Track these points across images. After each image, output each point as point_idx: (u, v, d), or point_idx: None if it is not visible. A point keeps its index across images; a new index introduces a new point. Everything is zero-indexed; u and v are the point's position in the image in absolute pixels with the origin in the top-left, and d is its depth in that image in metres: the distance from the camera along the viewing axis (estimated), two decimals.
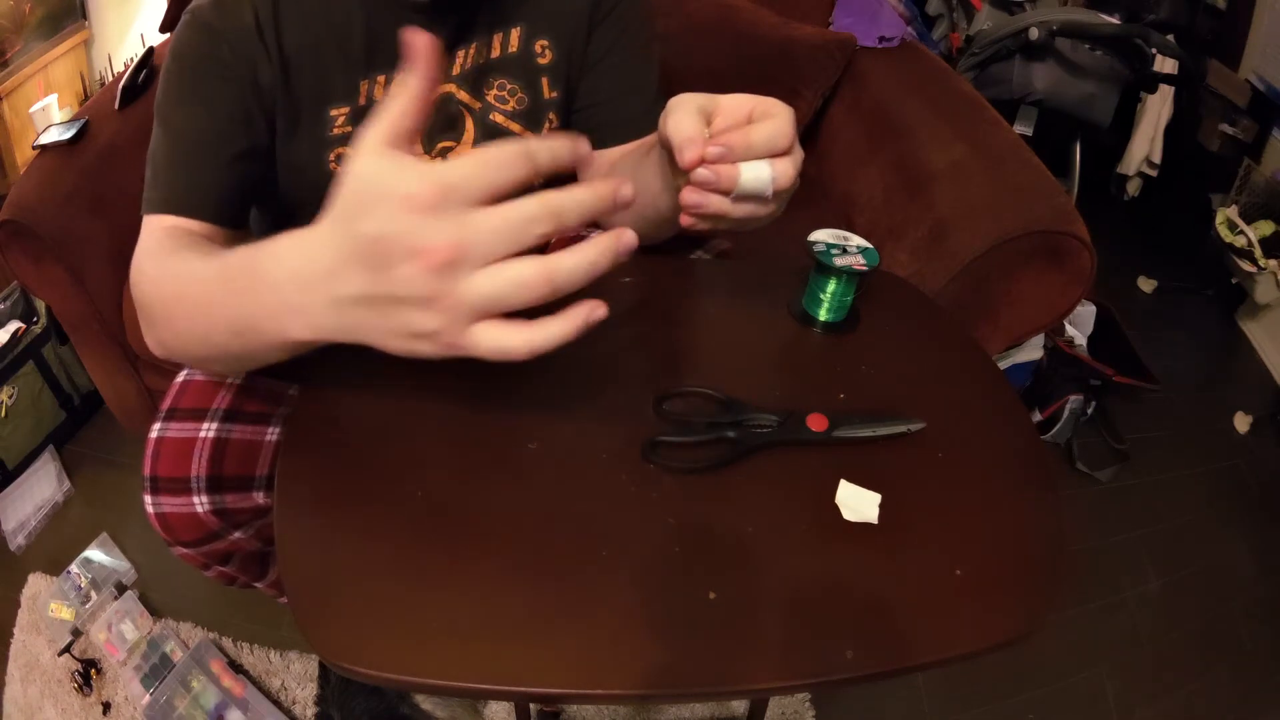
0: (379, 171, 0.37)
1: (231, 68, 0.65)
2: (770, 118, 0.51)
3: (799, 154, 0.53)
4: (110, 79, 1.59)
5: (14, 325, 1.44)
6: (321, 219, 0.40)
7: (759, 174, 0.50)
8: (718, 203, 0.52)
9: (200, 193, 0.64)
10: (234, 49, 0.65)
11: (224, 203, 0.66)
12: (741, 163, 0.50)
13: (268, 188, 0.73)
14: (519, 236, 0.37)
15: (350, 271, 0.38)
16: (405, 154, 0.38)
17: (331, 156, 0.71)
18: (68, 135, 1.13)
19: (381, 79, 0.70)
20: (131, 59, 1.29)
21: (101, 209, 1.12)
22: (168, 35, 0.68)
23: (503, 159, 0.37)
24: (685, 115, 0.52)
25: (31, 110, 1.70)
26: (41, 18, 1.67)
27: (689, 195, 0.52)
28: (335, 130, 0.70)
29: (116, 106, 1.22)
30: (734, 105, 0.53)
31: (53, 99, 1.75)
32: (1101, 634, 1.36)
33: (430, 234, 0.36)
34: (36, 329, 1.46)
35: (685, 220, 0.55)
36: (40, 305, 1.48)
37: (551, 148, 0.38)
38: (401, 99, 0.39)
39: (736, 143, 0.50)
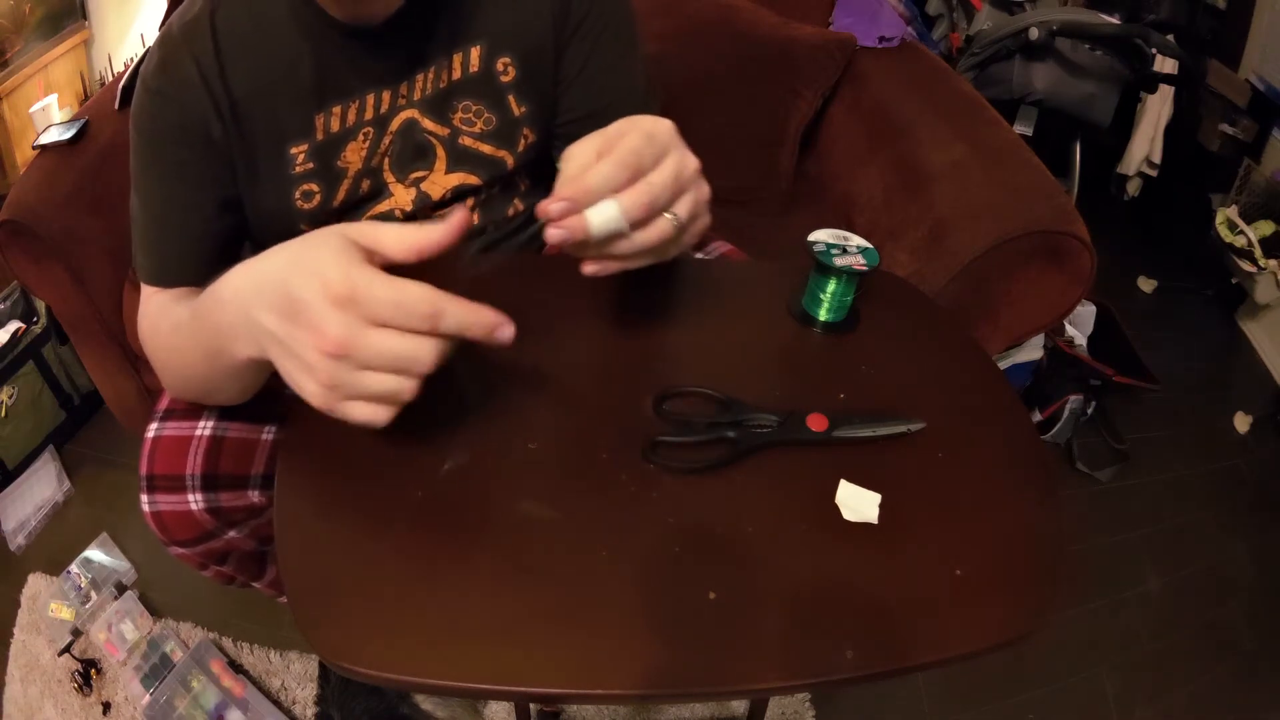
0: (327, 250, 0.42)
1: (184, 130, 0.65)
2: (610, 153, 0.49)
3: (664, 173, 0.50)
4: (110, 79, 1.59)
5: (14, 325, 1.44)
6: (273, 254, 0.45)
7: (606, 214, 0.48)
8: (592, 253, 0.50)
9: (179, 263, 0.67)
10: (182, 109, 0.64)
11: (206, 263, 0.68)
12: (588, 210, 0.48)
13: (248, 232, 0.74)
14: (397, 364, 0.42)
15: (270, 311, 0.44)
16: (359, 253, 0.42)
17: (298, 194, 0.70)
18: (68, 135, 1.13)
19: (337, 110, 0.68)
20: (131, 59, 1.29)
21: (101, 209, 1.12)
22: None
23: (413, 310, 0.41)
24: (563, 171, 0.51)
25: (31, 110, 1.70)
26: (41, 18, 1.67)
27: (569, 252, 0.51)
28: (297, 168, 0.69)
29: (116, 106, 1.22)
30: (614, 134, 0.50)
31: (53, 99, 1.75)
32: (1101, 634, 1.36)
33: (329, 323, 0.41)
34: (36, 329, 1.46)
35: (587, 269, 0.52)
36: (40, 305, 1.48)
37: (462, 320, 0.42)
38: (402, 238, 0.44)
39: (574, 194, 0.48)
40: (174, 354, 0.62)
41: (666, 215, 0.51)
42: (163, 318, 0.64)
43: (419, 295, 0.41)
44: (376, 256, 0.44)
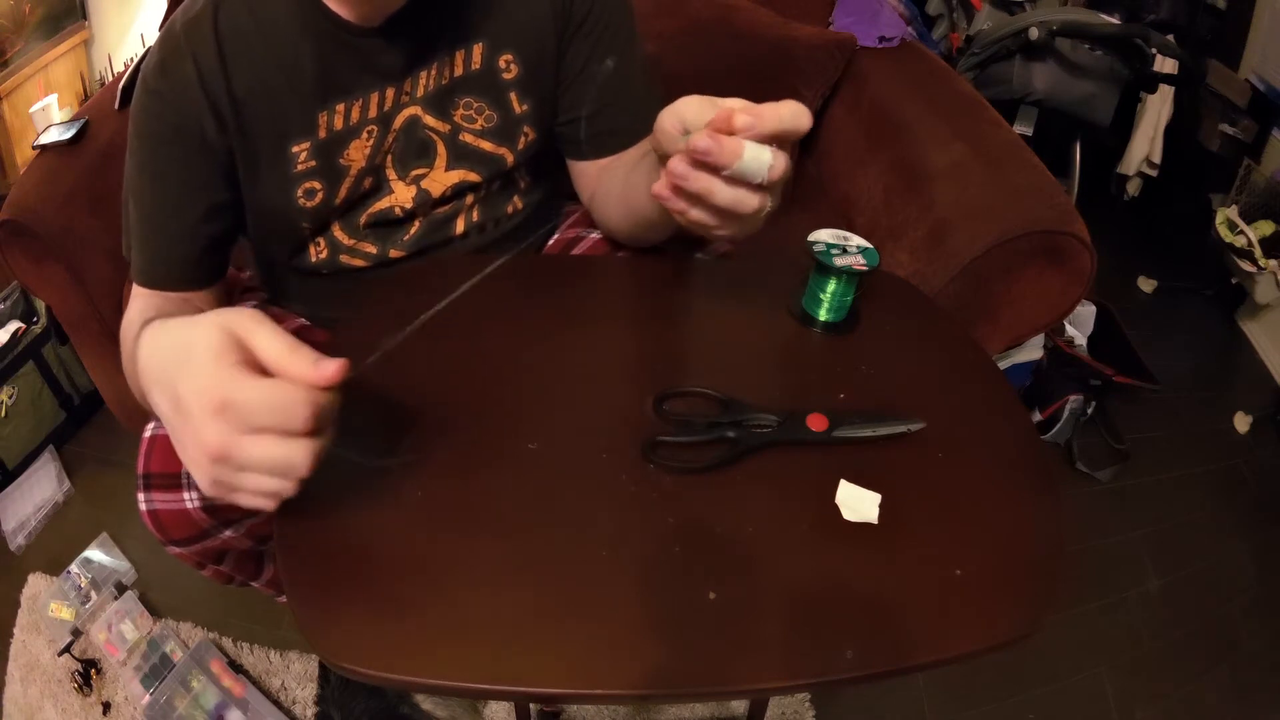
0: (207, 353, 0.41)
1: (179, 131, 0.65)
2: (789, 103, 0.48)
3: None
4: (110, 79, 1.59)
5: (14, 325, 1.44)
6: (169, 336, 0.44)
7: (759, 156, 0.47)
8: (703, 180, 0.48)
9: (164, 266, 0.69)
10: (179, 110, 0.65)
11: (190, 268, 0.70)
12: (748, 142, 0.47)
13: (241, 231, 0.75)
14: (273, 470, 0.42)
15: (165, 402, 0.43)
16: (236, 353, 0.41)
17: (300, 192, 0.70)
18: (68, 135, 1.13)
19: (340, 108, 0.68)
20: (131, 59, 1.29)
21: (101, 209, 1.12)
22: None
23: (290, 408, 0.40)
24: (698, 102, 0.50)
25: (31, 110, 1.70)
26: (41, 18, 1.67)
27: (676, 164, 0.48)
28: (300, 166, 0.69)
29: (116, 106, 1.22)
30: (738, 102, 0.50)
31: (53, 99, 1.74)
32: (1101, 634, 1.36)
33: (207, 430, 0.40)
34: (36, 329, 1.46)
35: (659, 188, 0.50)
36: (40, 305, 1.48)
37: (334, 408, 0.42)
38: (271, 352, 0.42)
39: (767, 114, 0.47)
40: (129, 370, 0.62)
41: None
42: (131, 329, 0.64)
43: (289, 398, 0.40)
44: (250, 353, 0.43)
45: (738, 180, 0.48)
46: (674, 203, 0.51)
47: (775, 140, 0.47)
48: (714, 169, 0.47)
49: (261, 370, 0.41)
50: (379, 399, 0.58)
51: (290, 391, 0.40)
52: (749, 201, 0.49)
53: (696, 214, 0.51)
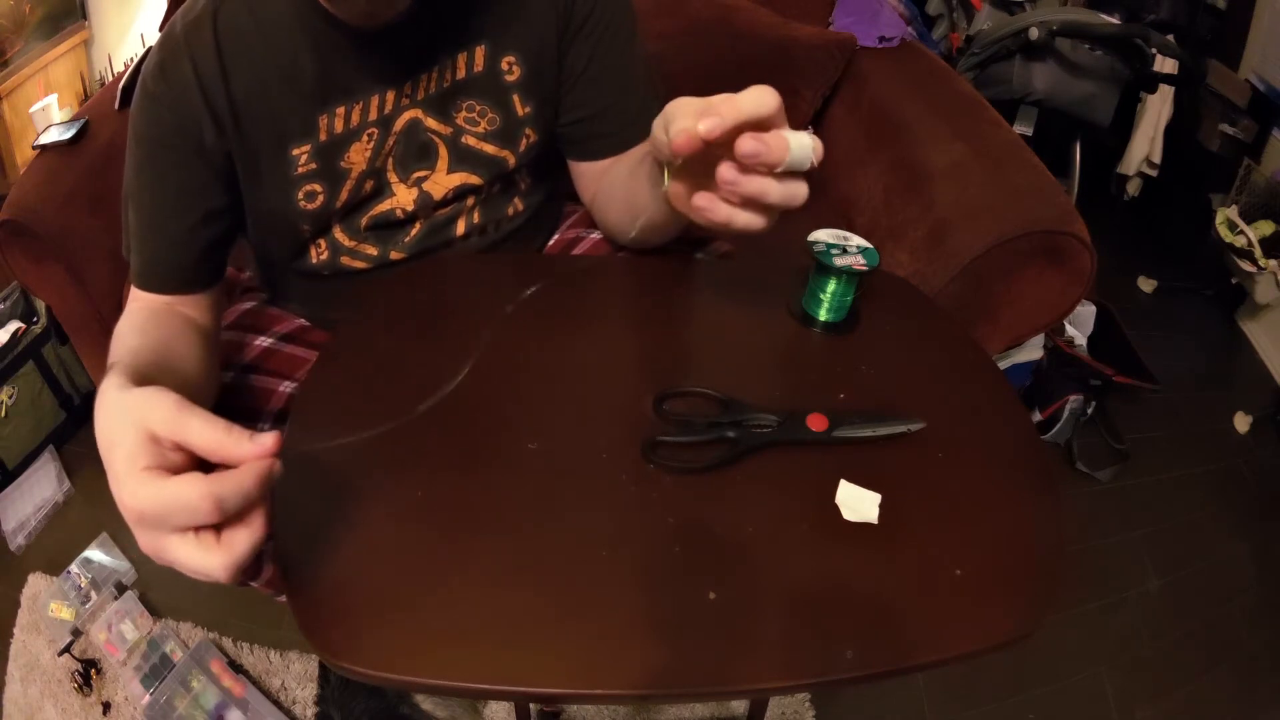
0: (121, 459, 0.42)
1: (177, 134, 0.65)
2: (749, 91, 0.46)
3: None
4: (110, 79, 1.59)
5: (14, 325, 1.44)
6: (100, 421, 0.45)
7: (802, 143, 0.45)
8: (757, 182, 0.46)
9: (163, 268, 0.69)
10: (176, 114, 0.65)
11: (189, 270, 0.70)
12: (789, 133, 0.45)
13: (241, 233, 0.75)
14: (198, 571, 0.42)
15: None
16: (146, 456, 0.41)
17: (300, 195, 0.70)
18: (68, 135, 1.13)
19: (340, 110, 0.68)
20: (131, 59, 1.29)
21: (101, 209, 1.12)
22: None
23: (192, 507, 0.40)
24: (687, 104, 0.48)
25: (31, 110, 1.70)
26: (41, 18, 1.67)
27: (726, 172, 0.46)
28: (300, 170, 0.69)
29: (116, 106, 1.22)
30: (723, 98, 0.48)
31: (53, 99, 1.75)
32: (1101, 634, 1.36)
33: (136, 533, 0.42)
34: (36, 329, 1.46)
35: (699, 200, 0.49)
36: (40, 305, 1.48)
37: (244, 491, 0.41)
38: (207, 438, 0.41)
39: (725, 110, 0.45)
40: None
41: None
42: (120, 339, 0.63)
43: (188, 497, 0.39)
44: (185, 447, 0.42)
45: (787, 174, 0.46)
46: (717, 212, 0.49)
47: (746, 129, 0.46)
48: (765, 168, 0.45)
49: (192, 457, 0.42)
50: (379, 396, 0.58)
51: (186, 492, 0.39)
52: (801, 191, 0.47)
53: (745, 218, 0.49)
